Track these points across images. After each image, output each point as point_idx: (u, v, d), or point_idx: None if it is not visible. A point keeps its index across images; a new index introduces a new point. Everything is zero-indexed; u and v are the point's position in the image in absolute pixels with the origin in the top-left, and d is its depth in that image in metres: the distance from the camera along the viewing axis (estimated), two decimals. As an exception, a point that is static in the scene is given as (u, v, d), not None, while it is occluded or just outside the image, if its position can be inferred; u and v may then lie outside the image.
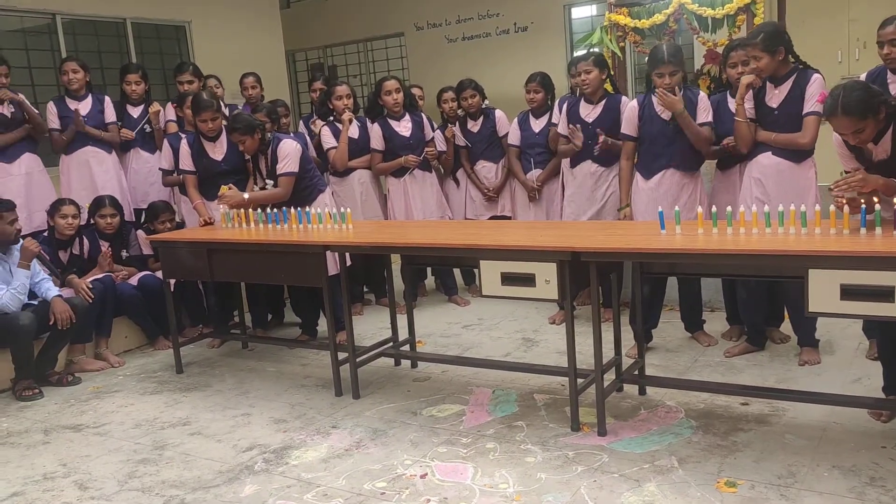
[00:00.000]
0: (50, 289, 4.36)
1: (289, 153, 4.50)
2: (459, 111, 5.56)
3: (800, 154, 3.80)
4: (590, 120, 4.59)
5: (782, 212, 2.99)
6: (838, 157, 3.13)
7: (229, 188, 4.52)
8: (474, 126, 5.50)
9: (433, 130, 5.51)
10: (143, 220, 5.35)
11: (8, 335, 4.16)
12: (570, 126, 4.63)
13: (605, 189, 4.66)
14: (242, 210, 4.50)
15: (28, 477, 3.24)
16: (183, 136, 5.04)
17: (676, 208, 3.30)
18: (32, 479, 3.22)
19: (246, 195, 4.51)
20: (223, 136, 4.83)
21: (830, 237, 2.82)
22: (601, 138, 4.49)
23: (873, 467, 2.78)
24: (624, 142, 4.35)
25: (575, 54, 6.93)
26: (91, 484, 3.13)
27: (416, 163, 5.30)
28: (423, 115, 5.49)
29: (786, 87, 3.76)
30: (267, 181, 4.57)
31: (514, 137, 5.21)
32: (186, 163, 4.85)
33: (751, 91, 3.84)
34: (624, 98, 4.61)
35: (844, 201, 2.86)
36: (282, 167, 4.50)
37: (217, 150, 4.84)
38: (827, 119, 2.95)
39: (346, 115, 5.33)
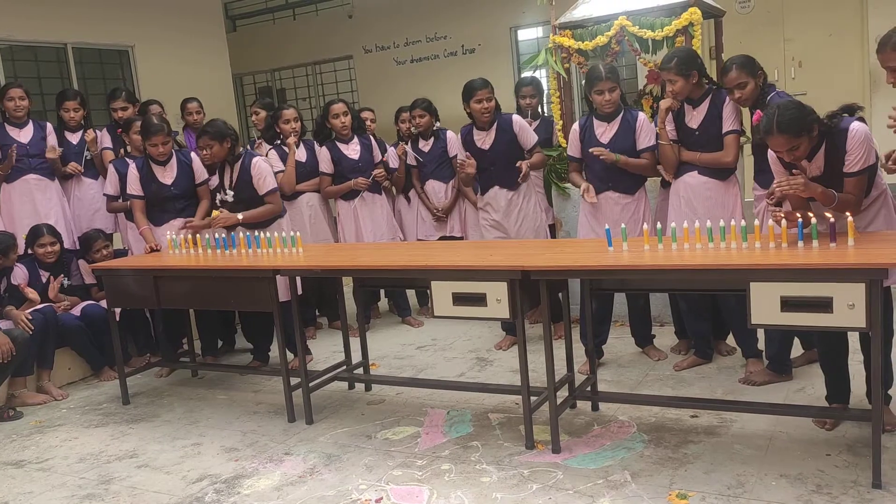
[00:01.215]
0: None
1: (265, 171, 4.60)
2: (412, 129, 5.59)
3: (724, 172, 3.99)
4: (485, 147, 4.61)
5: (724, 227, 3.07)
6: (774, 174, 3.24)
7: (220, 211, 4.58)
8: (425, 146, 5.53)
9: (383, 151, 5.52)
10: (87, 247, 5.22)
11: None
12: (465, 154, 4.65)
13: (517, 212, 4.68)
14: (191, 235, 4.44)
15: (-34, 518, 3.12)
16: (130, 161, 4.96)
17: (623, 226, 3.37)
18: (-29, 519, 3.11)
19: (240, 216, 4.55)
20: (173, 161, 4.80)
21: (770, 251, 2.91)
22: (524, 169, 4.50)
23: (819, 475, 2.85)
24: (570, 163, 4.43)
25: (522, 75, 7.04)
26: (33, 522, 3.03)
27: (366, 185, 5.30)
28: (371, 137, 5.49)
29: (703, 107, 3.95)
30: (228, 192, 4.62)
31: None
32: (135, 187, 4.78)
33: (671, 114, 4.01)
34: (514, 117, 4.69)
35: (782, 215, 2.96)
36: (264, 186, 4.59)
37: (167, 175, 4.79)
38: (763, 138, 3.06)
39: (292, 139, 5.31)
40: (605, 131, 4.22)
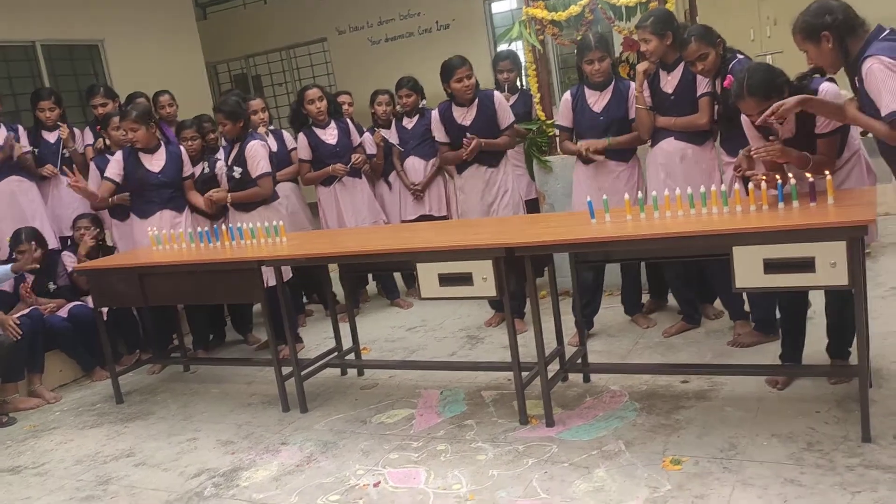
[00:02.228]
0: None
1: (258, 155, 4.60)
2: (398, 108, 5.54)
3: (700, 136, 4.00)
4: (466, 123, 4.54)
5: (704, 193, 3.07)
6: (749, 140, 3.25)
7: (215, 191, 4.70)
8: (409, 123, 5.51)
9: (361, 135, 5.48)
10: (69, 244, 5.19)
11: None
12: (469, 137, 4.52)
13: (494, 190, 4.62)
14: (173, 231, 4.42)
15: (-35, 527, 3.13)
16: (110, 157, 4.93)
17: (604, 197, 3.36)
18: (-30, 528, 3.11)
19: (229, 197, 4.64)
20: (162, 150, 4.81)
21: (751, 214, 2.92)
22: (473, 143, 4.43)
23: (809, 433, 2.89)
24: (560, 132, 4.43)
25: (498, 49, 6.99)
26: (33, 527, 3.03)
27: (344, 171, 5.27)
28: (348, 120, 5.45)
29: (677, 72, 3.95)
30: (235, 169, 4.64)
31: (440, 134, 5.14)
32: (114, 171, 4.79)
33: (646, 80, 4.00)
34: (496, 93, 4.63)
35: (761, 178, 2.96)
36: (256, 169, 4.60)
37: (154, 163, 4.79)
38: (734, 102, 3.07)
39: (262, 129, 5.26)
40: (597, 100, 4.21)
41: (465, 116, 4.56)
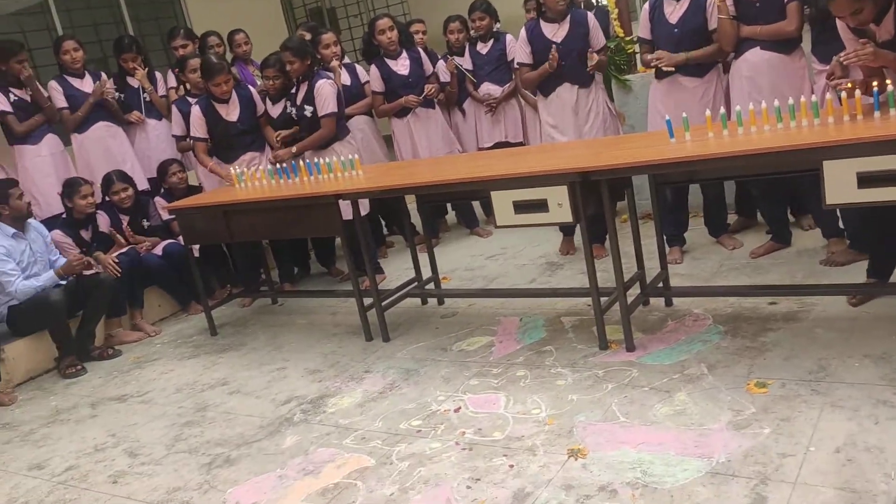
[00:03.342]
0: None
1: (327, 94, 4.61)
2: (472, 32, 5.43)
3: (788, 44, 3.76)
4: (558, 40, 4.36)
5: (792, 105, 2.90)
6: (844, 43, 3.02)
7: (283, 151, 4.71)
8: (483, 48, 5.40)
9: (434, 63, 5.39)
10: (158, 186, 5.38)
11: (41, 314, 4.28)
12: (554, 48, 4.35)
13: (586, 110, 4.47)
14: (253, 169, 4.52)
15: (80, 450, 3.37)
16: (191, 100, 5.03)
17: (684, 114, 3.22)
18: (84, 451, 3.35)
19: (293, 148, 4.65)
20: (234, 97, 4.86)
21: (844, 125, 2.74)
22: (599, 58, 4.29)
23: (905, 353, 2.76)
24: (641, 45, 4.27)
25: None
26: (140, 451, 3.25)
27: (417, 102, 5.22)
28: (420, 50, 5.36)
29: None
30: (306, 107, 4.67)
31: (522, 55, 4.91)
32: (199, 130, 4.87)
33: None
34: (589, 13, 4.43)
35: (849, 85, 2.76)
36: (322, 108, 4.62)
37: (231, 112, 4.86)
38: (827, 3, 2.84)
39: (335, 63, 5.22)
40: (673, 10, 4.02)
41: (555, 33, 4.38)
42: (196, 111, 4.86)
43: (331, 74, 4.93)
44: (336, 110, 4.67)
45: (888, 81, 2.78)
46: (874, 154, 2.52)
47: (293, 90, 4.72)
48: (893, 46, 2.83)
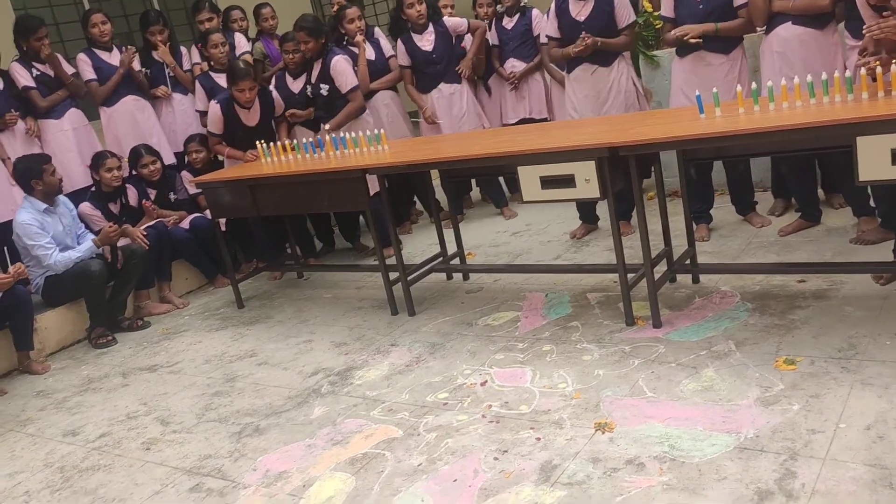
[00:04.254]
0: (89, 239, 4.49)
1: (345, 70, 4.66)
2: (499, 6, 5.39)
3: (821, 19, 3.69)
4: (581, 18, 4.29)
5: (826, 80, 2.86)
6: (864, 18, 2.97)
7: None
8: (509, 23, 5.36)
9: (466, 32, 5.29)
10: (185, 160, 5.42)
11: (82, 282, 4.36)
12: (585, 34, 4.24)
13: (607, 90, 4.38)
14: (279, 143, 4.54)
15: (113, 418, 3.44)
16: (213, 74, 5.05)
17: (714, 90, 3.19)
18: (117, 419, 3.42)
19: (326, 126, 4.64)
20: (255, 102, 4.84)
21: (879, 101, 2.70)
22: (588, 41, 4.17)
23: (937, 331, 2.74)
24: (664, 24, 4.22)
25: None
26: (172, 419, 3.31)
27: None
28: (444, 20, 5.29)
29: None
30: (322, 86, 4.72)
31: (551, 29, 4.63)
32: (216, 126, 4.89)
33: None
34: None
35: (876, 63, 2.72)
36: (346, 85, 4.68)
37: (251, 117, 4.87)
38: None
39: (359, 38, 5.19)
40: None
41: (580, 11, 4.31)
42: (216, 109, 4.84)
43: (344, 50, 4.92)
44: (356, 82, 4.69)
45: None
46: (910, 130, 2.49)
47: (311, 68, 4.73)
48: None
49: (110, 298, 4.56)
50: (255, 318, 4.48)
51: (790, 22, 3.73)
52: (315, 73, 4.70)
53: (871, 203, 3.78)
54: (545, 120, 5.37)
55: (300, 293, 4.82)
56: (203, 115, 5.24)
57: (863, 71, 2.81)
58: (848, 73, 2.89)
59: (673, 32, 4.04)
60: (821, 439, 2.25)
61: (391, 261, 4.09)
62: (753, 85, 3.07)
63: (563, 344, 3.27)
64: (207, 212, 4.85)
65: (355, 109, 4.69)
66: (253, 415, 3.19)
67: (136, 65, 5.32)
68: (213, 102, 4.89)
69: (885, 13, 2.84)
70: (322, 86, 4.67)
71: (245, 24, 5.80)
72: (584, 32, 4.23)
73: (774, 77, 3.57)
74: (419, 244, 5.25)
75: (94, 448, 3.17)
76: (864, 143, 2.57)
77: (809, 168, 3.97)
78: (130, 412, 3.47)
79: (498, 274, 4.31)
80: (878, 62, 2.74)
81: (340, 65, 4.62)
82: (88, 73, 5.24)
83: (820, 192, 4.23)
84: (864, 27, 2.85)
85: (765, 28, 3.89)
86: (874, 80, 2.72)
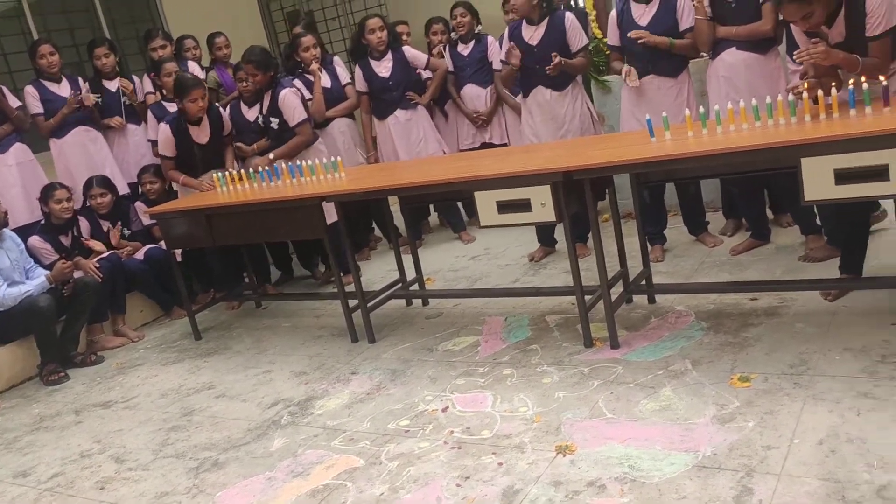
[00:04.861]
0: (40, 274, 4.39)
1: (292, 104, 4.65)
2: (453, 34, 5.44)
3: (764, 44, 3.83)
4: (534, 43, 4.36)
5: (770, 104, 2.95)
6: (798, 45, 3.10)
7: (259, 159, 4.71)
8: (464, 49, 5.40)
9: (424, 65, 5.37)
10: (139, 191, 5.34)
11: (30, 318, 4.24)
12: (510, 43, 4.39)
13: (562, 114, 4.45)
14: (235, 172, 4.50)
15: (66, 457, 3.34)
16: (167, 105, 5.00)
17: (664, 114, 3.26)
18: (70, 458, 3.33)
19: (270, 155, 4.63)
20: (205, 120, 4.79)
21: (821, 123, 2.79)
22: (556, 60, 4.20)
23: (884, 345, 2.81)
24: (611, 52, 4.29)
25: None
26: (127, 456, 3.23)
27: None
28: (404, 50, 5.35)
29: None
30: (272, 119, 4.70)
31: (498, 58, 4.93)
32: (167, 149, 4.81)
33: None
34: (568, 14, 4.38)
35: (802, 88, 2.85)
36: (294, 118, 4.65)
37: (201, 134, 4.82)
38: (777, 9, 2.94)
39: (315, 66, 5.18)
40: (643, 13, 4.06)
41: (532, 35, 4.37)
42: (166, 130, 4.77)
43: (301, 77, 4.93)
44: (307, 116, 4.69)
45: (851, 82, 2.83)
46: (851, 151, 2.57)
47: (260, 100, 4.72)
48: (845, 48, 2.90)
49: (62, 333, 4.46)
50: (213, 349, 4.41)
51: (734, 47, 3.85)
52: (266, 104, 4.69)
53: (818, 221, 3.89)
54: (504, 145, 5.42)
55: (259, 323, 4.77)
56: (155, 144, 5.15)
57: (791, 96, 2.93)
58: (791, 97, 2.98)
59: (619, 66, 4.12)
60: (776, 455, 2.29)
61: (350, 288, 4.08)
62: (701, 109, 3.15)
63: (523, 367, 3.28)
64: (162, 242, 4.78)
65: (302, 143, 4.66)
66: (211, 449, 3.13)
67: (91, 98, 5.22)
68: (162, 124, 4.83)
69: (813, 39, 2.96)
70: (272, 119, 4.65)
71: (198, 52, 5.77)
72: (512, 44, 4.36)
73: (721, 101, 3.67)
74: (378, 270, 5.24)
75: (46, 489, 3.08)
76: (808, 164, 2.65)
77: (758, 189, 4.08)
78: (84, 451, 3.38)
79: (457, 299, 4.32)
80: (806, 86, 2.85)
81: (288, 98, 4.60)
82: (35, 106, 5.14)
83: (769, 211, 4.35)
84: (795, 52, 2.97)
85: (711, 53, 4.00)
86: (816, 102, 2.81)
